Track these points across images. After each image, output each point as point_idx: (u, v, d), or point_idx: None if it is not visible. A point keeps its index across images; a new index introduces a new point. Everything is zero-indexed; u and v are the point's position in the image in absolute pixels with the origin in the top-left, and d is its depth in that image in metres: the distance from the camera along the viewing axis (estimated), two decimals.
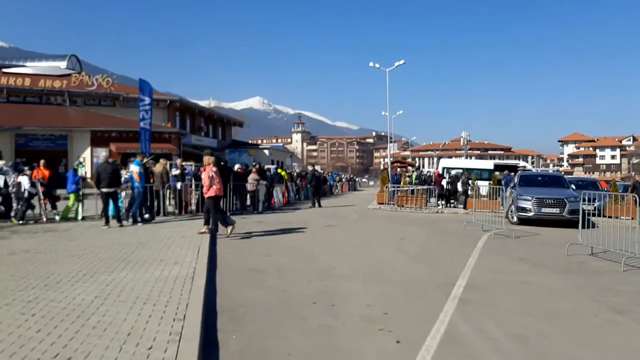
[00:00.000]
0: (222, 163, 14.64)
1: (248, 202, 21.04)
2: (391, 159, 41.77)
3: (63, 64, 47.00)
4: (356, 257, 10.39)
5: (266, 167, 25.67)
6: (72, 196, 16.14)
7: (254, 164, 22.55)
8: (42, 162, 16.49)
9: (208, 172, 12.34)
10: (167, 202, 17.44)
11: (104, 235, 12.33)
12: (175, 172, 18.04)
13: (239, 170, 20.36)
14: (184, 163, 21.58)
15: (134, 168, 14.98)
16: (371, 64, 31.98)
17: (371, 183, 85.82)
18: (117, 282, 7.30)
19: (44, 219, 15.72)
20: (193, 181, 19.14)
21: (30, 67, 44.92)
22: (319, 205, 24.02)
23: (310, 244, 12.19)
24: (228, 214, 15.81)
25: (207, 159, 12.69)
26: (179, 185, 17.48)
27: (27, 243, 11.22)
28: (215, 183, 12.33)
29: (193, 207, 18.28)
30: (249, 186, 20.43)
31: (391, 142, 55.62)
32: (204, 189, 12.51)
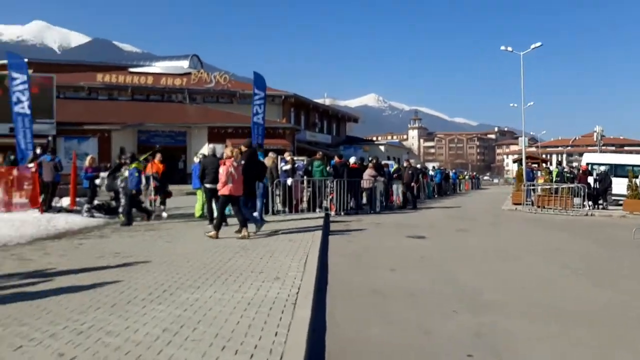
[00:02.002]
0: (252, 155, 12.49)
1: (364, 201, 19.09)
2: (520, 155, 37.96)
3: (185, 64, 47.99)
4: (507, 275, 8.03)
5: (383, 162, 23.55)
6: (199, 192, 14.83)
7: (370, 159, 20.55)
8: (157, 156, 15.63)
9: (227, 166, 10.88)
10: (277, 200, 15.95)
11: (205, 236, 10.91)
12: (285, 167, 16.52)
13: (354, 164, 18.44)
14: (295, 157, 20.07)
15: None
16: (503, 47, 28.74)
17: (495, 181, 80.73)
18: (199, 305, 5.59)
19: (150, 215, 14.84)
20: (305, 177, 17.56)
21: (155, 66, 46.29)
22: (414, 207, 21.14)
23: (442, 254, 9.96)
24: (257, 215, 13.85)
25: (228, 151, 11.30)
26: (289, 181, 15.93)
27: (122, 244, 10.06)
28: (232, 180, 10.83)
29: (304, 205, 16.67)
30: (365, 183, 18.47)
31: (517, 136, 51.19)
32: (219, 185, 11.00)
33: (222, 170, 11.01)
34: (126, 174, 14.93)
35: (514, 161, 41.36)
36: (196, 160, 15.69)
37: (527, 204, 21.73)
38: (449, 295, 6.66)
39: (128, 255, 8.74)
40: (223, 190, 10.89)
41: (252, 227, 11.30)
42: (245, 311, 5.34)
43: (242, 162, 11.36)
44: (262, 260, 8.15)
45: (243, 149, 11.79)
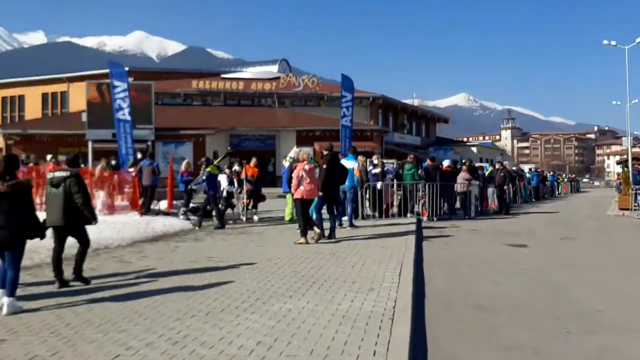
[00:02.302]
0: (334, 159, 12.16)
1: (457, 205, 18.38)
2: (623, 156, 35.29)
3: (275, 68, 48.83)
4: (626, 291, 7.28)
5: (477, 165, 22.62)
6: (288, 196, 14.85)
7: (463, 161, 19.77)
8: (253, 160, 15.85)
9: (298, 170, 10.79)
10: (366, 204, 15.66)
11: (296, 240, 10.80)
12: (374, 170, 16.19)
13: (447, 168, 17.78)
14: (384, 160, 19.68)
15: (350, 164, 13.21)
16: (606, 41, 26.82)
17: (596, 183, 76.01)
18: (293, 316, 5.41)
19: (243, 219, 15.04)
20: (395, 180, 17.15)
21: (246, 72, 47.46)
22: (507, 212, 19.89)
23: (548, 265, 9.26)
24: (347, 220, 13.38)
25: (303, 154, 11.39)
26: (378, 185, 15.58)
27: (215, 248, 10.17)
28: (304, 184, 10.65)
29: (395, 209, 16.26)
30: (459, 187, 17.76)
31: (619, 136, 47.81)
32: (292, 189, 10.97)
33: (294, 174, 10.98)
34: (220, 177, 15.25)
35: (618, 162, 38.61)
36: (285, 164, 15.71)
37: (635, 209, 20.09)
38: (561, 313, 6.08)
39: (220, 260, 8.79)
40: (296, 193, 10.81)
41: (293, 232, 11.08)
42: (340, 325, 5.10)
43: (324, 166, 11.22)
44: (355, 269, 7.89)
45: (324, 152, 11.66)
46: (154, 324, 5.25)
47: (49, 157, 19.40)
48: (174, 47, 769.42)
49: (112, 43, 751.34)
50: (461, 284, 7.70)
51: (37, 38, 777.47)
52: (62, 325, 5.25)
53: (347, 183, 12.72)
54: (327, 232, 11.07)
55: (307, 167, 10.85)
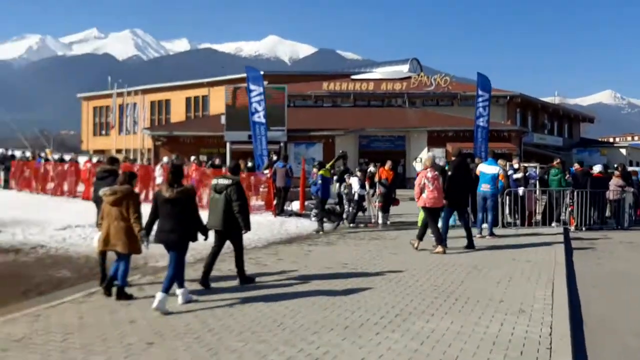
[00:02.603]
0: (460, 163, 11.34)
1: (607, 214, 16.71)
2: None
3: (405, 68, 48.16)
4: None
5: (631, 169, 20.48)
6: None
7: (615, 166, 17.96)
8: (388, 163, 15.66)
9: (420, 177, 10.36)
10: (507, 211, 14.72)
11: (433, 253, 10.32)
12: (516, 175, 15.18)
13: (598, 174, 16.22)
14: (526, 164, 18.44)
15: (492, 169, 12.46)
16: None
17: None
18: (437, 338, 5.04)
19: (374, 222, 14.83)
20: (538, 186, 15.97)
21: (376, 72, 47.29)
22: None
23: None
24: (488, 228, 12.29)
25: (426, 160, 10.97)
26: (520, 191, 14.57)
27: (348, 254, 10.02)
28: (427, 191, 10.14)
29: (538, 217, 15.12)
30: (611, 194, 16.13)
31: None
32: (415, 196, 10.51)
33: (416, 180, 10.60)
34: (350, 180, 15.15)
35: None
36: (417, 165, 15.28)
37: None
38: None
39: (355, 267, 8.60)
40: (419, 202, 10.38)
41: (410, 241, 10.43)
42: (491, 353, 4.64)
43: (450, 172, 10.82)
44: (500, 286, 7.30)
45: (429, 160, 11.10)
46: (293, 335, 5.15)
47: (192, 158, 20.60)
48: (305, 50, 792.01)
49: (247, 48, 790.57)
50: (623, 308, 6.84)
51: (181, 45, 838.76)
52: (204, 330, 5.32)
53: (489, 189, 12.01)
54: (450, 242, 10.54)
55: (430, 174, 10.31)
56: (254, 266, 8.67)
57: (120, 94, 36.15)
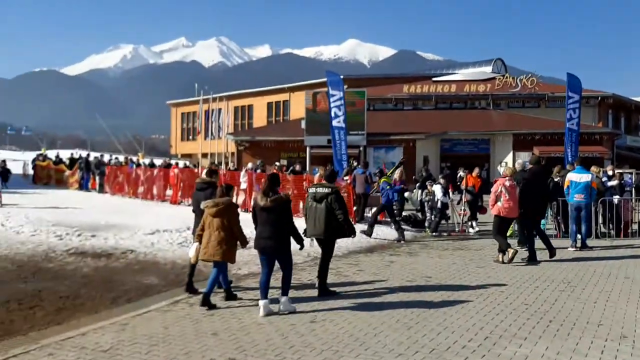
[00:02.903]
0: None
1: None
2: None
3: (488, 69, 46.71)
4: None
5: None
6: None
7: None
8: (475, 170, 15.32)
9: (497, 185, 10.08)
10: (600, 221, 13.81)
11: (520, 264, 9.81)
12: (610, 182, 14.24)
13: None
14: (621, 171, 17.25)
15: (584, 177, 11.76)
16: None
17: None
18: None
19: (458, 231, 14.37)
20: (634, 194, 14.91)
21: (458, 74, 46.16)
22: None
23: None
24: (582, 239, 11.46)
25: (506, 169, 10.71)
26: (615, 199, 13.64)
27: (431, 266, 9.70)
28: (502, 200, 9.86)
29: (635, 227, 14.09)
30: None
31: None
32: (489, 204, 10.29)
33: (492, 188, 10.28)
34: (433, 188, 14.76)
35: None
36: (502, 170, 14.68)
37: None
38: None
39: (439, 281, 8.30)
40: (493, 210, 10.08)
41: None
42: None
43: (524, 181, 10.50)
44: (597, 306, 6.77)
45: (509, 169, 10.73)
46: (376, 357, 4.98)
47: (277, 164, 20.90)
48: (384, 52, 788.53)
49: (327, 52, 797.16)
50: None
51: (263, 51, 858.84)
52: (286, 347, 5.25)
53: (583, 199, 11.36)
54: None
55: (507, 183, 10.01)
56: (334, 277, 8.56)
57: (205, 101, 37.34)
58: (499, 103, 40.51)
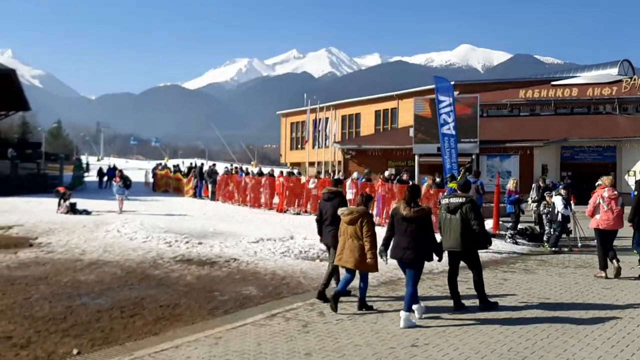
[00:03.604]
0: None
1: None
2: None
3: (614, 71, 43.22)
4: None
5: None
6: None
7: None
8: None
9: (595, 196, 9.54)
10: None
11: None
12: None
13: None
14: None
15: None
16: None
17: None
18: None
19: (580, 247, 13.11)
20: None
21: (580, 77, 43.14)
22: None
23: None
24: None
25: (606, 179, 9.98)
26: None
27: (550, 285, 8.79)
28: (601, 212, 9.31)
29: None
30: None
31: None
32: (587, 215, 9.73)
33: (591, 199, 9.69)
34: (553, 199, 13.57)
35: None
36: (629, 179, 13.23)
37: None
38: None
39: (559, 303, 7.44)
40: (591, 222, 9.48)
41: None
42: None
43: (636, 191, 9.75)
44: None
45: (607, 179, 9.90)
46: None
47: (387, 173, 20.43)
48: (499, 56, 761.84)
49: (439, 58, 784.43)
50: None
51: (373, 60, 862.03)
52: None
53: None
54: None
55: (606, 193, 9.30)
56: (440, 293, 7.96)
57: (313, 110, 37.72)
58: (625, 107, 37.27)
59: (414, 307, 6.54)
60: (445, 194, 13.29)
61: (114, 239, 12.46)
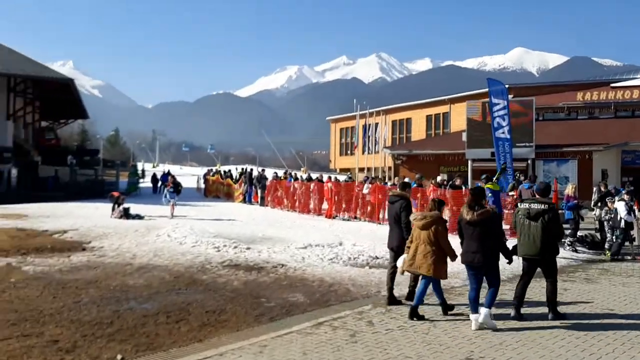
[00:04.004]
0: None
1: None
2: None
3: None
4: None
5: None
6: None
7: None
8: None
9: None
10: None
11: None
12: None
13: None
14: None
15: None
16: None
17: None
18: None
19: None
20: None
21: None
22: None
23: None
24: None
25: None
26: None
27: (614, 296, 8.29)
28: None
29: None
30: None
31: None
32: None
33: None
34: (615, 205, 12.88)
35: None
36: None
37: None
38: None
39: (623, 315, 6.96)
40: None
41: None
42: None
43: None
44: None
45: None
46: None
47: (439, 178, 20.01)
48: (555, 59, 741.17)
49: (492, 62, 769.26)
50: None
51: (423, 65, 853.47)
52: None
53: None
54: None
55: None
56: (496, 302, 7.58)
57: (363, 115, 37.47)
58: None
59: (472, 317, 6.41)
60: (488, 194, 12.90)
61: (164, 243, 12.57)
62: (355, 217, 19.85)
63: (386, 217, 18.22)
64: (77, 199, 24.79)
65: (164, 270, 9.50)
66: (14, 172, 27.78)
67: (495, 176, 14.47)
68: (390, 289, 7.57)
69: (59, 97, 32.99)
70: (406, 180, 8.66)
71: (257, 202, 25.90)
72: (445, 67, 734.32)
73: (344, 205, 20.40)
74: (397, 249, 7.50)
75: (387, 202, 8.56)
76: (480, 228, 6.47)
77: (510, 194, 15.06)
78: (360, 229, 16.81)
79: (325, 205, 21.36)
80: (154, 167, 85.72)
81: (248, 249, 11.95)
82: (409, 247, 6.96)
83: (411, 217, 7.12)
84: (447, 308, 7.01)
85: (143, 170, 55.97)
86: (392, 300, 7.48)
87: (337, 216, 20.23)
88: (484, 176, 14.43)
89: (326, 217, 20.37)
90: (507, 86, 21.91)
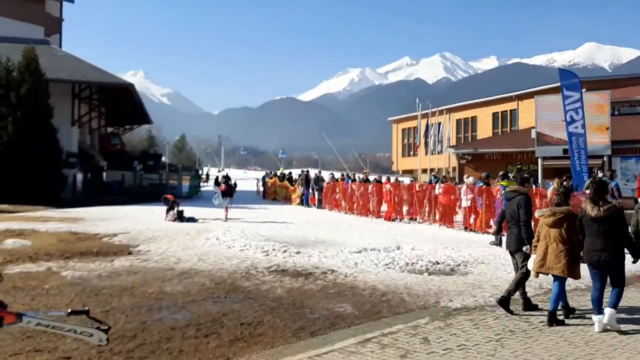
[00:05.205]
0: None
1: None
2: None
3: None
4: None
5: None
6: None
7: None
8: None
9: None
10: None
11: None
12: None
13: None
14: None
15: None
16: None
17: None
18: None
19: None
20: None
21: None
22: None
23: None
24: None
25: None
26: None
27: None
28: None
29: None
30: None
31: None
32: None
33: None
34: None
35: None
36: None
37: None
38: None
39: None
40: None
41: None
42: None
43: None
44: None
45: None
46: None
47: (500, 173, 18.70)
48: (628, 53, 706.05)
49: (561, 58, 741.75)
50: None
51: (489, 63, 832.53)
52: None
53: None
54: None
55: None
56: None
57: (425, 115, 36.22)
58: None
59: (595, 318, 6.05)
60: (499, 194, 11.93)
61: (212, 247, 12.06)
62: (414, 219, 18.84)
63: (454, 219, 17.30)
64: (139, 202, 24.93)
65: (205, 276, 8.92)
66: (79, 176, 28.43)
67: (512, 174, 13.58)
68: (524, 294, 7.06)
69: (122, 103, 33.64)
70: (525, 175, 7.85)
71: (315, 204, 25.27)
72: (512, 65, 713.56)
73: (405, 209, 19.42)
74: (514, 249, 7.04)
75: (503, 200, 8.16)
76: (607, 224, 6.02)
77: (587, 192, 13.67)
78: (422, 232, 15.85)
79: (384, 207, 20.44)
80: (219, 171, 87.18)
81: (298, 253, 11.25)
82: (535, 247, 6.57)
83: (537, 214, 6.66)
84: (569, 311, 6.63)
85: (207, 174, 56.57)
86: (528, 305, 6.97)
87: (396, 218, 19.27)
88: (501, 173, 13.65)
89: (385, 219, 19.45)
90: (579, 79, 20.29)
